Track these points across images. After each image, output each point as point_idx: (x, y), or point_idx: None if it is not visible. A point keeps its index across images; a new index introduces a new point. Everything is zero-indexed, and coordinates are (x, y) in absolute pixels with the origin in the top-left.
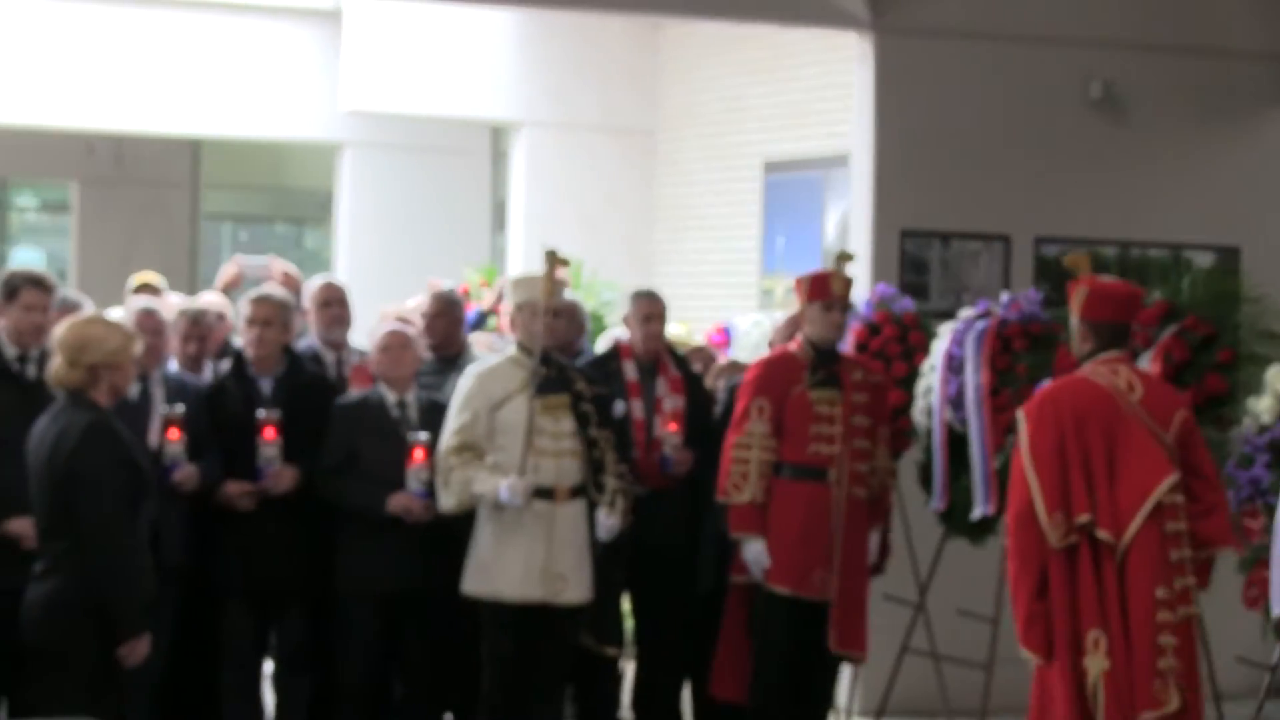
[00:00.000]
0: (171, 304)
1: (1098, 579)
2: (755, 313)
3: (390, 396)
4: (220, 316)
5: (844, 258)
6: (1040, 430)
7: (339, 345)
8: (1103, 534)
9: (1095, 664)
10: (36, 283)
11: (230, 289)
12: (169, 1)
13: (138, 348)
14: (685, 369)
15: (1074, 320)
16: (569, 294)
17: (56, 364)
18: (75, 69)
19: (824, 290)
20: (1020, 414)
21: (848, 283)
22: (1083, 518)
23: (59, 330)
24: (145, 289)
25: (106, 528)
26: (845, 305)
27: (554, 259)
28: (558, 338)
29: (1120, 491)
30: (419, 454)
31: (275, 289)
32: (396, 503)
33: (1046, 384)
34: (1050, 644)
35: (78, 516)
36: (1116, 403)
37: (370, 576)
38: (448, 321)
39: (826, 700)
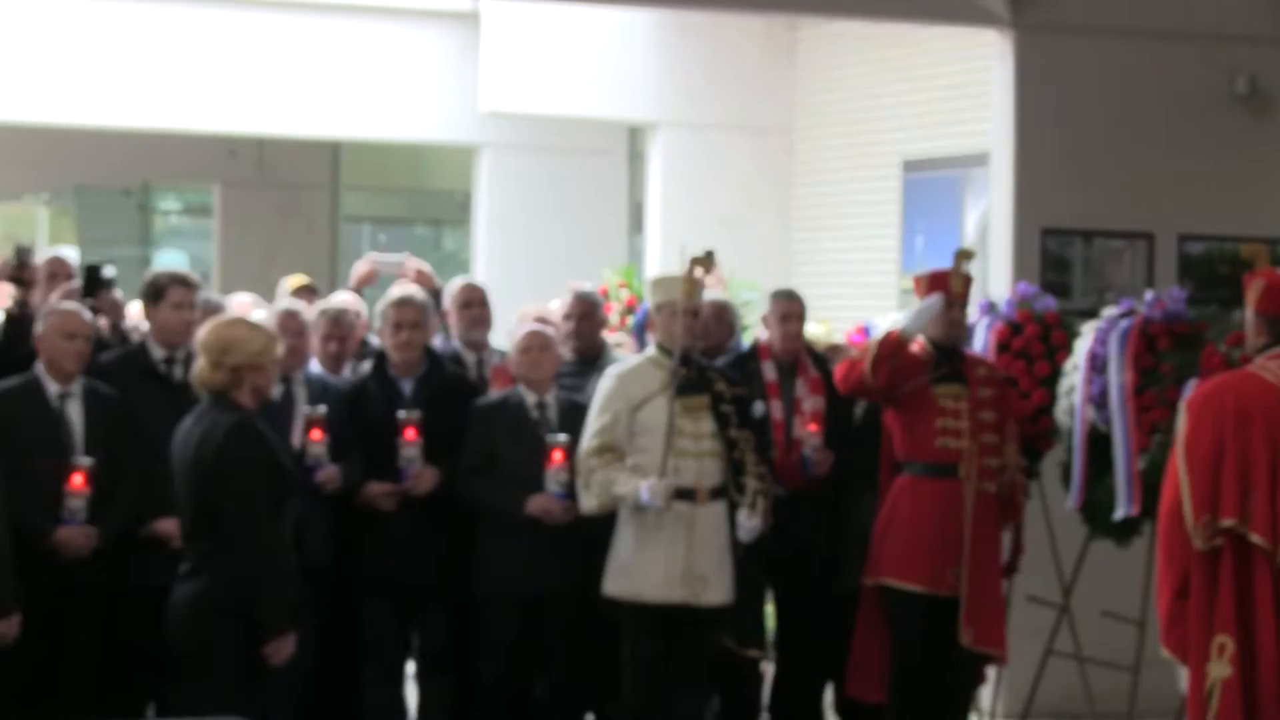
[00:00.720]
0: (311, 305)
1: (1239, 585)
2: (895, 312)
3: (530, 398)
4: (358, 315)
5: (964, 255)
6: (1200, 426)
7: (480, 346)
8: (1256, 538)
9: (1216, 670)
10: (182, 282)
11: (363, 287)
12: (309, 5)
13: (280, 349)
14: (824, 369)
15: (1248, 313)
16: (719, 293)
17: (200, 366)
18: (216, 73)
19: (942, 288)
20: (1182, 407)
21: (967, 280)
22: (1227, 521)
23: (202, 332)
24: (303, 291)
25: (251, 528)
26: (964, 303)
27: (697, 260)
28: (709, 338)
29: None
30: (558, 455)
31: (415, 290)
32: (536, 504)
33: (1213, 378)
34: (1187, 646)
35: (222, 517)
36: None
37: (509, 578)
38: (589, 323)
39: (965, 701)
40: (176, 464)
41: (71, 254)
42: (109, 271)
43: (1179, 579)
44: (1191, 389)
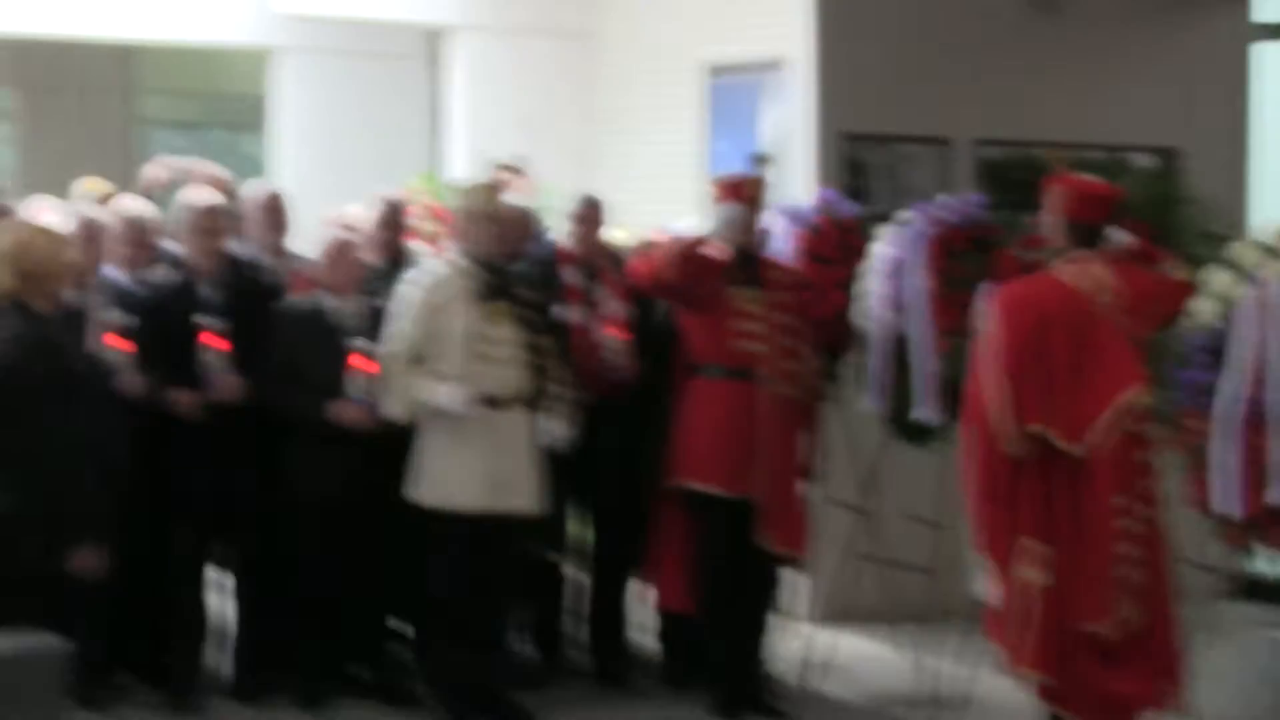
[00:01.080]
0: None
1: (1043, 488)
2: (697, 217)
3: (331, 303)
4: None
5: (760, 160)
6: (1005, 332)
7: (280, 252)
8: (1060, 442)
9: (1023, 573)
10: None
11: (153, 191)
12: None
13: (74, 254)
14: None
15: (1048, 218)
16: (521, 199)
17: None
18: None
19: (738, 194)
20: (986, 311)
21: (760, 184)
22: (1034, 427)
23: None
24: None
25: (46, 438)
26: (759, 208)
27: (504, 167)
28: (507, 243)
29: (1085, 397)
30: (357, 360)
31: (214, 195)
32: (337, 410)
33: (1015, 283)
34: (995, 550)
35: (18, 427)
36: (1085, 304)
37: (317, 486)
38: (396, 230)
39: (766, 601)
40: None
41: None
42: None
43: (987, 482)
44: (986, 293)
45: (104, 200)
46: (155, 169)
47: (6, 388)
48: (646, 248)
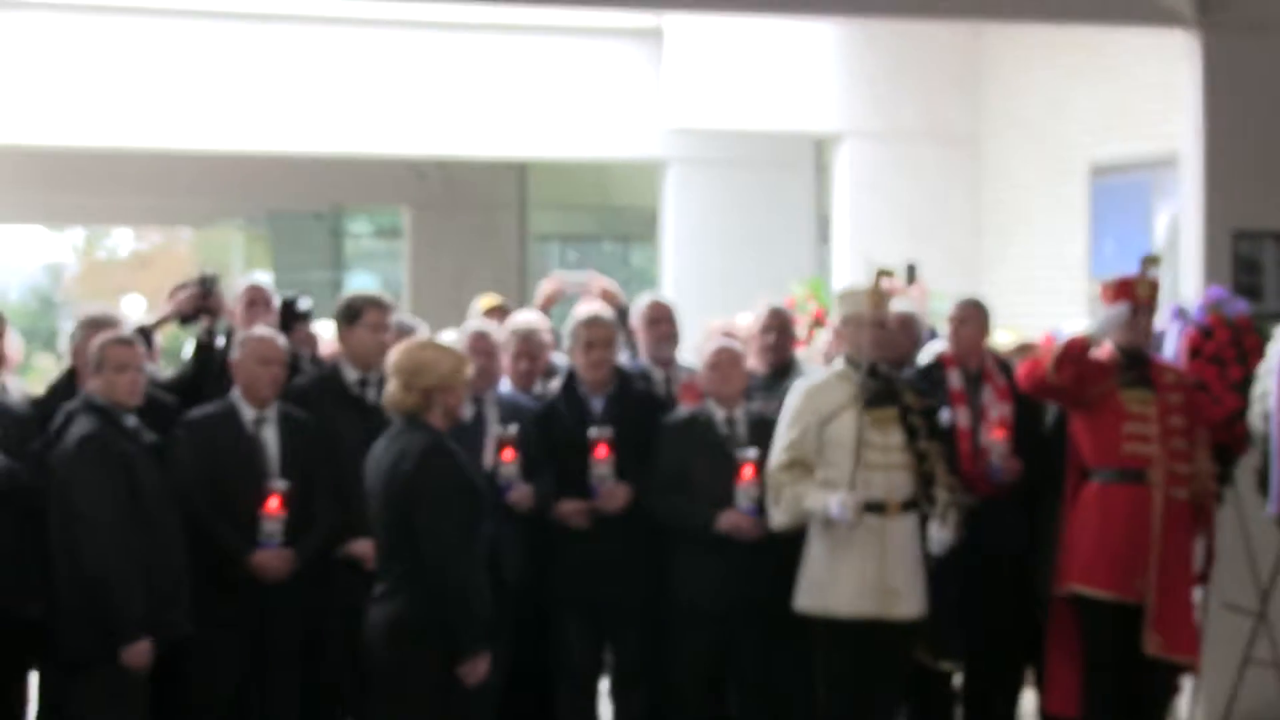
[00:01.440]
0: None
1: None
2: (1084, 318)
3: (719, 413)
4: (547, 334)
5: (1151, 261)
6: None
7: (667, 363)
8: None
9: None
10: (377, 304)
11: (549, 306)
12: (493, 25)
13: (470, 370)
14: (1011, 377)
15: None
16: (906, 304)
17: (391, 388)
18: (403, 96)
19: (1129, 294)
20: None
21: (1154, 286)
22: None
23: (394, 355)
24: (495, 311)
25: (445, 550)
26: (1152, 309)
27: (884, 272)
28: (895, 349)
29: None
30: (748, 471)
31: (604, 309)
32: (727, 520)
33: None
34: None
35: (417, 539)
36: None
37: (702, 592)
38: (783, 337)
39: (1160, 712)
40: (370, 486)
41: (266, 279)
42: (304, 304)
43: None
44: None
45: (495, 314)
46: (550, 283)
47: (409, 500)
48: (1028, 350)
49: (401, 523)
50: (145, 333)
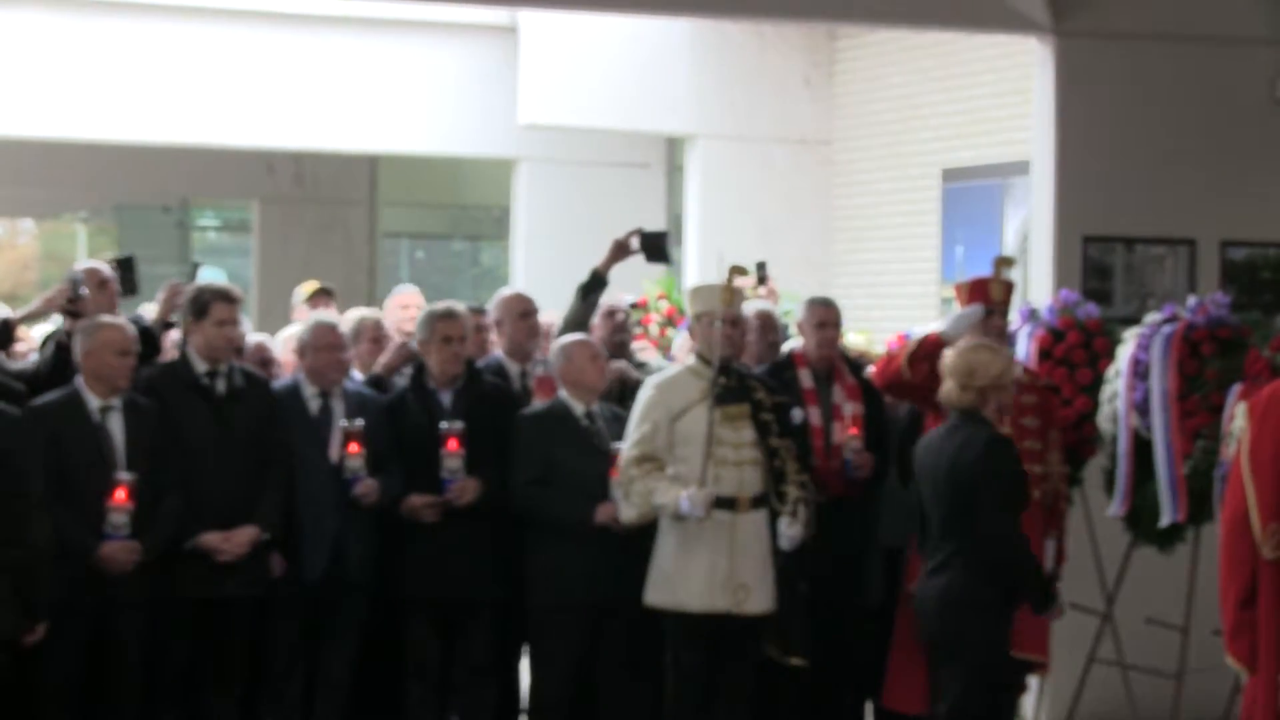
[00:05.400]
0: (348, 318)
1: None
2: (935, 321)
3: (577, 407)
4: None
5: (1004, 262)
6: (1262, 433)
7: (528, 357)
8: None
9: None
10: (225, 297)
11: None
12: (347, 20)
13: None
14: (860, 376)
15: None
16: (766, 304)
17: (948, 387)
18: (254, 89)
19: (983, 295)
20: (1243, 411)
21: (1008, 288)
22: None
23: (950, 357)
24: (319, 296)
25: (1008, 529)
26: (1005, 311)
27: (736, 269)
28: (756, 348)
29: None
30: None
31: (458, 304)
32: (604, 512)
33: (1274, 383)
34: (1255, 655)
35: (978, 519)
36: None
37: (574, 587)
38: (622, 336)
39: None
40: (926, 471)
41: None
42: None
43: (1244, 586)
44: (1236, 395)
45: (319, 298)
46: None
47: (973, 484)
48: (873, 351)
49: (961, 504)
50: (7, 325)
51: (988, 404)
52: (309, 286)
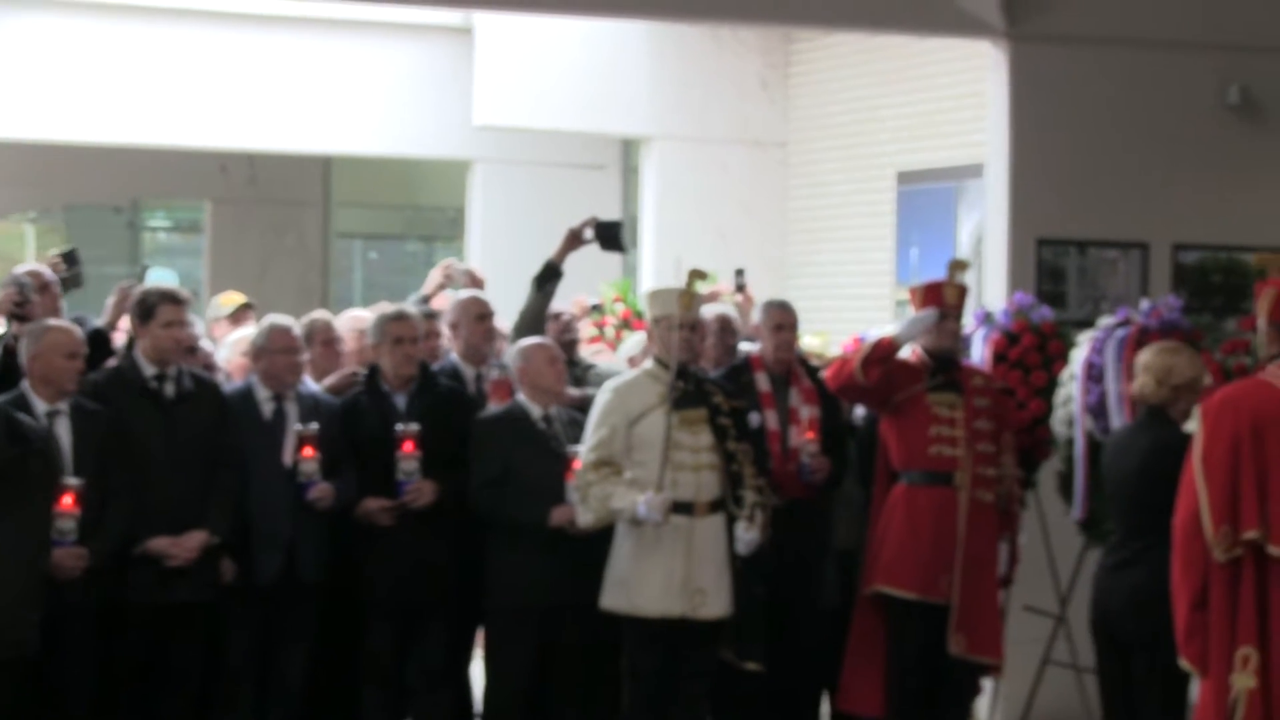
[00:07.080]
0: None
1: (1260, 596)
2: (890, 324)
3: (534, 410)
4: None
5: (958, 266)
6: (1215, 436)
7: (485, 359)
8: (1274, 550)
9: (1240, 681)
10: (172, 299)
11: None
12: (300, 20)
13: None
14: (817, 379)
15: (1260, 322)
16: (723, 307)
17: (1142, 382)
18: (206, 89)
19: (937, 299)
20: (1196, 415)
21: (962, 291)
22: (1250, 533)
23: (1146, 355)
24: (243, 311)
25: None
26: (959, 314)
27: (695, 273)
28: (717, 351)
29: None
30: (578, 466)
31: (410, 307)
32: (560, 515)
33: (1226, 387)
34: (1206, 658)
35: (1162, 515)
36: None
37: (530, 589)
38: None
39: (961, 711)
40: (1115, 468)
41: (48, 270)
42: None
43: (1196, 590)
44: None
45: (243, 313)
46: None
47: (1166, 482)
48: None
49: (1151, 501)
50: None
51: (1177, 403)
52: (230, 299)
